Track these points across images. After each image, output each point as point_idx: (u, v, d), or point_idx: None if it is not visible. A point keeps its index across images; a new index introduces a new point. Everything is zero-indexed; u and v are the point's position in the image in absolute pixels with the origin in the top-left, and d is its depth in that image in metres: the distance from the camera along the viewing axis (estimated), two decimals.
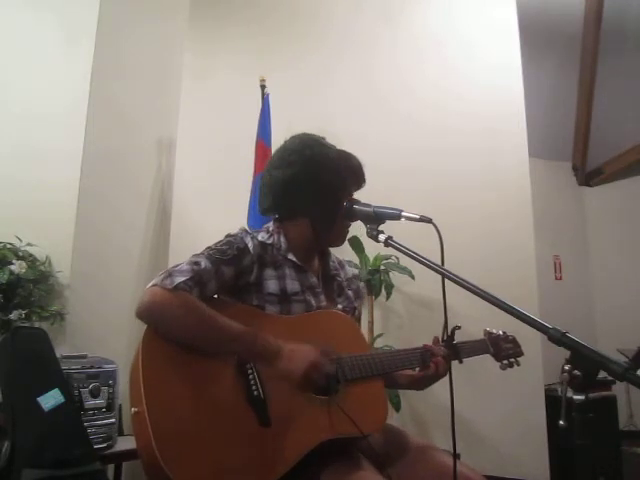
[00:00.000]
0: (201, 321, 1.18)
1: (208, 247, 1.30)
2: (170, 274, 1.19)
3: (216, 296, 1.30)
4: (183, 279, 1.18)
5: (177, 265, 1.23)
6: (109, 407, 2.03)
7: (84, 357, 2.10)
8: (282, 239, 1.39)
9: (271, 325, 1.28)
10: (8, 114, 2.49)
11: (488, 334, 1.64)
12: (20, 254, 2.25)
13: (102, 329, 2.45)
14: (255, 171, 2.86)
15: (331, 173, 1.38)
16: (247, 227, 1.44)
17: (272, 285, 1.33)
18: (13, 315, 2.12)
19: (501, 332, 1.66)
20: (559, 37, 4.33)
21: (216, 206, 3.12)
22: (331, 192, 1.38)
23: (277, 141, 3.14)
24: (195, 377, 1.16)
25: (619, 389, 3.58)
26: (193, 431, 1.09)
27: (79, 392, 1.95)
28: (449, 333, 1.47)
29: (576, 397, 0.88)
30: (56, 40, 2.62)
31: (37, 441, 1.69)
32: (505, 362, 1.62)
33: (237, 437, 1.13)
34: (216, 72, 3.42)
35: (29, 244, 2.28)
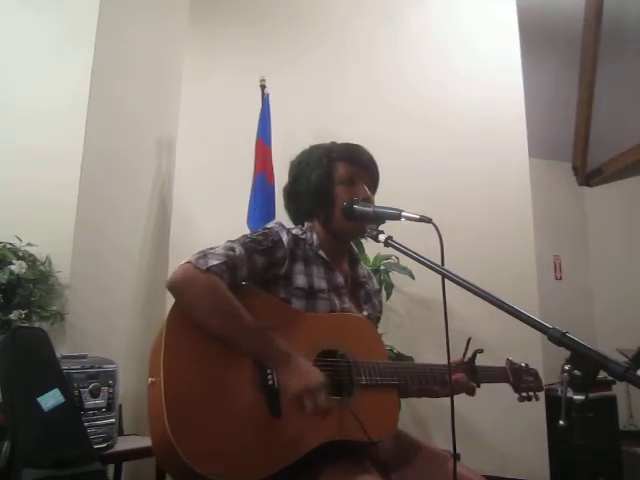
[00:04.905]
0: (222, 308, 1.19)
1: (244, 235, 1.34)
2: (205, 255, 1.21)
3: (244, 284, 1.31)
4: (217, 262, 1.20)
5: (212, 248, 1.25)
6: (109, 407, 2.03)
7: (84, 357, 2.10)
8: (314, 236, 1.42)
9: (296, 320, 1.30)
10: (8, 114, 2.49)
11: (510, 363, 1.61)
12: (20, 254, 2.24)
13: (102, 329, 2.45)
14: (255, 171, 2.86)
15: (313, 172, 1.43)
16: (249, 227, 1.45)
17: (300, 280, 1.35)
18: (13, 315, 2.12)
19: (523, 364, 1.63)
20: (559, 37, 4.33)
21: (216, 206, 3.11)
22: (319, 190, 1.41)
23: (277, 141, 3.14)
24: (214, 356, 1.17)
25: (619, 389, 3.58)
26: (204, 408, 1.11)
27: (79, 392, 1.95)
28: (471, 355, 1.48)
29: (576, 397, 0.88)
30: (56, 40, 2.61)
31: (37, 441, 1.69)
32: (524, 394, 1.59)
33: (246, 421, 1.15)
34: (216, 72, 3.41)
35: (29, 244, 2.27)
